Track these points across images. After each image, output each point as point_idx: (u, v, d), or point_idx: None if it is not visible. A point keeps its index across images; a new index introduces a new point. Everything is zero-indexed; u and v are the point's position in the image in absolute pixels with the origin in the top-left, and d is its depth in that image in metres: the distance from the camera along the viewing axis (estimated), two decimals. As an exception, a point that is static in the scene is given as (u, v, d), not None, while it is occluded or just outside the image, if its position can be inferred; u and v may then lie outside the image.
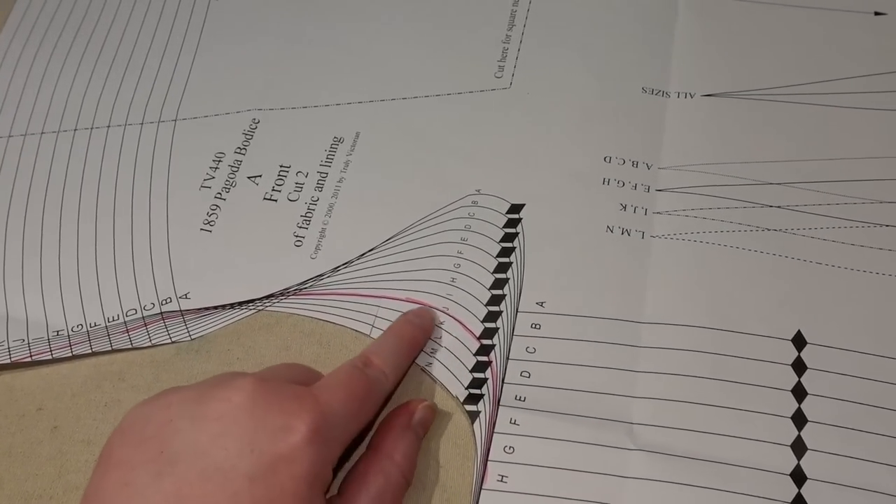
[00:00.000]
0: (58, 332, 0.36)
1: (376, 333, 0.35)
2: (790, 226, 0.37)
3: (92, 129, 0.43)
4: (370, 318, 0.36)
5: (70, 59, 0.46)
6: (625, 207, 0.38)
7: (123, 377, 0.35)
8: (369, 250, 0.38)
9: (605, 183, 0.39)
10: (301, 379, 0.30)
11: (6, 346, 0.36)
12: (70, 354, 0.36)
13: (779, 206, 0.38)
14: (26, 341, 0.36)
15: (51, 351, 0.36)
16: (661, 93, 0.42)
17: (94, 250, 0.39)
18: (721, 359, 0.34)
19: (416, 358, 0.34)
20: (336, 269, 0.38)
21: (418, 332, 0.34)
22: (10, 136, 0.43)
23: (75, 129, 0.43)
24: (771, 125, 0.40)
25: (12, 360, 0.36)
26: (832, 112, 0.40)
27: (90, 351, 0.36)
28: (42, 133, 0.43)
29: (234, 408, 0.27)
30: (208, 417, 0.26)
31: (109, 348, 0.36)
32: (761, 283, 0.36)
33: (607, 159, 0.40)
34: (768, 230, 0.37)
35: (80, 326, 0.37)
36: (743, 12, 0.44)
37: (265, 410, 0.27)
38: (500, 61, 0.44)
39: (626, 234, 0.37)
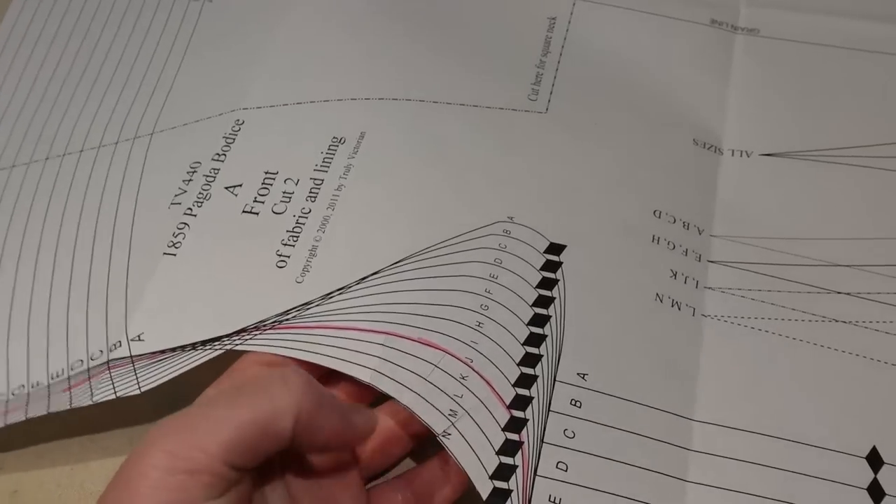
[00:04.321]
0: None
1: (379, 381, 0.28)
2: (863, 318, 0.32)
3: (64, 155, 0.36)
4: (371, 361, 0.28)
5: (52, 83, 0.39)
6: (675, 275, 0.33)
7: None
8: (372, 274, 0.31)
9: (656, 241, 0.33)
10: None
11: None
12: (3, 425, 0.28)
13: (849, 294, 0.33)
14: None
15: None
16: (713, 148, 0.36)
17: (48, 294, 0.31)
18: (783, 475, 0.29)
19: None
20: (328, 295, 0.30)
21: None
22: None
23: (46, 158, 0.36)
24: (841, 194, 0.35)
25: None
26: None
27: (24, 418, 0.28)
28: (13, 167, 0.36)
29: None
30: None
31: (45, 412, 0.28)
32: (828, 386, 0.31)
33: (657, 213, 0.34)
34: (836, 321, 0.32)
35: (21, 388, 0.29)
36: (811, 58, 0.38)
37: None
38: (534, 84, 0.37)
39: (676, 307, 0.32)
